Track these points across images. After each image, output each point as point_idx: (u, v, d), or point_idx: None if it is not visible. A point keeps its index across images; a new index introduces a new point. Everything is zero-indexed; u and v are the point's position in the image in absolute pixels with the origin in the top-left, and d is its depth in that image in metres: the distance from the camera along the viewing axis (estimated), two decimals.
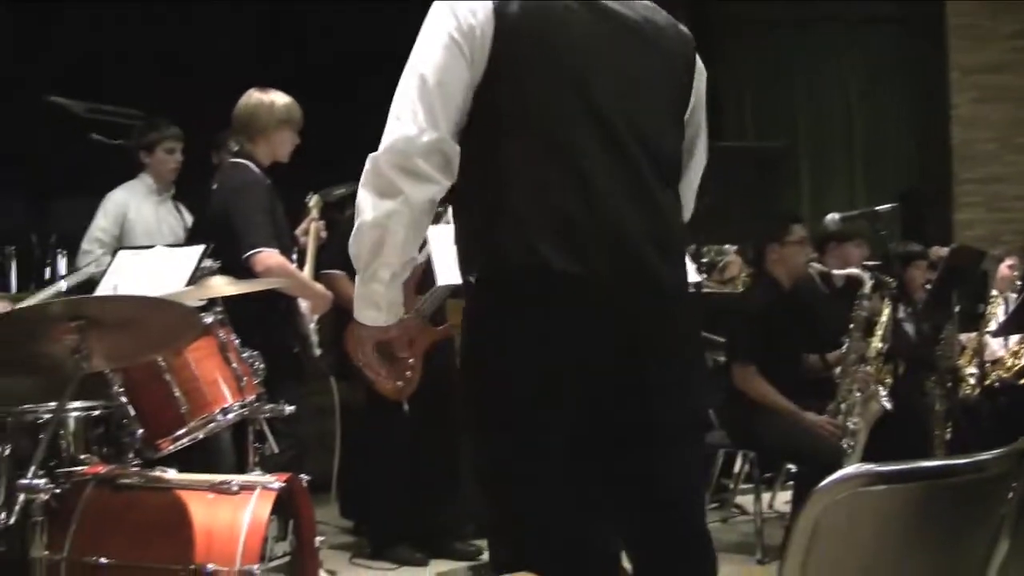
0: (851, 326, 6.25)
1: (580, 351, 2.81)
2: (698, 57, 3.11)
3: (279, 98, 5.54)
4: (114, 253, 5.66)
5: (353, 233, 2.90)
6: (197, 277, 4.77)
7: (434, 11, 2.89)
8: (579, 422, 2.86)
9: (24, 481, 3.32)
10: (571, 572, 2.86)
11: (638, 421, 2.91)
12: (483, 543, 6.45)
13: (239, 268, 5.03)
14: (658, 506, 2.99)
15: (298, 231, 5.85)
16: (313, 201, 5.95)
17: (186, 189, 7.28)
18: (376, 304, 2.95)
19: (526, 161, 2.83)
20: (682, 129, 3.07)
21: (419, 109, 2.81)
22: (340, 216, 6.54)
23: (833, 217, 6.76)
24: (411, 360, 6.12)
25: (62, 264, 9.43)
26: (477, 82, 2.85)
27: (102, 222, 6.77)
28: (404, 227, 2.83)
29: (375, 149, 2.85)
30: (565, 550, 2.86)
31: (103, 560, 3.74)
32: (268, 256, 5.17)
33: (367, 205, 2.86)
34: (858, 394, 6.08)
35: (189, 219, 7.01)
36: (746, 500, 7.37)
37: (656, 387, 2.89)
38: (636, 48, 2.95)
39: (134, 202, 6.83)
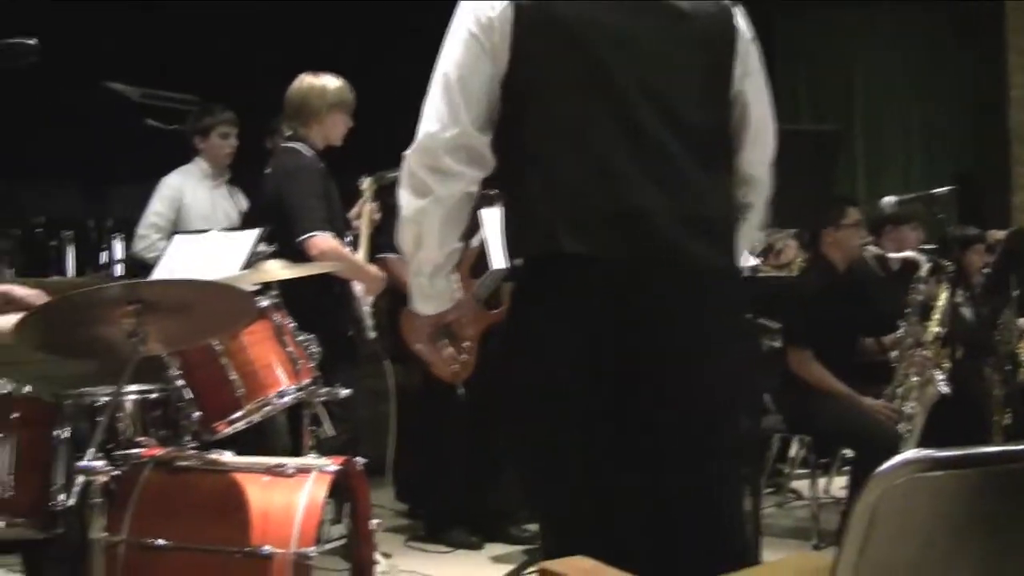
0: (907, 310, 6.20)
1: (602, 334, 2.81)
2: (743, 25, 3.05)
3: (331, 82, 5.55)
4: (170, 238, 5.69)
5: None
6: (252, 261, 4.80)
7: (457, 12, 2.95)
8: (602, 408, 2.85)
9: (83, 463, 3.34)
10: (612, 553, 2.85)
11: (665, 405, 2.89)
12: (538, 528, 6.46)
13: (294, 252, 5.05)
14: (675, 490, 2.96)
15: (351, 214, 5.86)
16: (366, 184, 5.96)
17: (240, 175, 7.31)
18: (425, 295, 3.03)
19: (544, 148, 2.86)
20: (723, 105, 3.00)
21: (442, 107, 2.89)
22: (393, 199, 6.55)
23: (889, 200, 6.69)
24: (466, 344, 6.13)
25: (118, 248, 9.51)
26: (502, 74, 2.88)
27: (157, 207, 6.81)
28: (438, 223, 2.91)
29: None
30: (602, 529, 2.86)
31: (160, 542, 3.76)
32: (322, 240, 5.19)
33: (404, 203, 2.97)
34: (915, 378, 6.03)
35: (244, 203, 7.04)
36: (802, 485, 7.34)
37: (684, 368, 2.87)
38: (663, 26, 2.91)
39: (189, 187, 6.87)
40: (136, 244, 6.90)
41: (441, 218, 2.90)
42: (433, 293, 3.01)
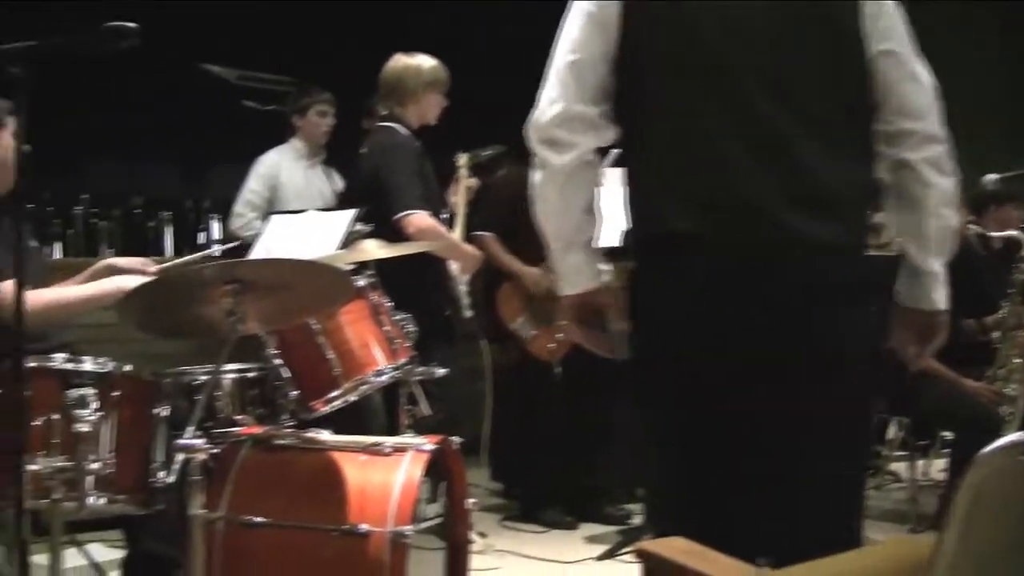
0: (1010, 290, 6.10)
1: (716, 316, 2.75)
2: None
3: (425, 61, 5.56)
4: (266, 216, 5.74)
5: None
6: (349, 240, 4.81)
7: None
8: (714, 389, 2.78)
9: (182, 441, 3.37)
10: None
11: (784, 388, 2.79)
12: (633, 507, 6.45)
13: (390, 231, 5.07)
14: (800, 476, 2.88)
15: (448, 192, 5.87)
16: (462, 161, 5.97)
17: (336, 156, 7.35)
18: (560, 273, 3.00)
19: (651, 127, 2.83)
20: (852, 76, 2.84)
21: (554, 84, 2.90)
22: (490, 178, 6.55)
23: (992, 178, 6.59)
24: (564, 322, 6.11)
25: (215, 228, 9.59)
26: (614, 52, 2.86)
27: (253, 185, 6.88)
28: (556, 193, 2.91)
29: (521, 110, 2.93)
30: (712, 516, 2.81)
31: (258, 519, 3.78)
32: (420, 218, 5.20)
33: (532, 182, 2.97)
34: (1018, 360, 5.93)
35: (339, 183, 7.08)
36: (900, 467, 7.26)
37: (797, 350, 2.78)
38: (775, 1, 2.82)
39: (285, 166, 6.92)
40: (232, 222, 6.96)
41: (558, 188, 2.90)
42: (566, 270, 2.98)
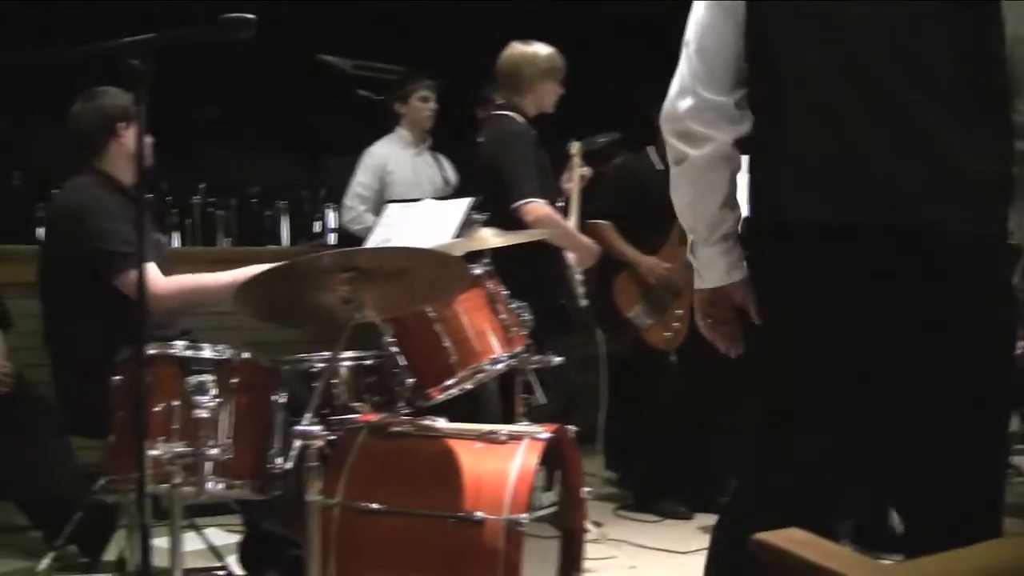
0: None
1: (837, 302, 2.66)
2: None
3: (541, 49, 5.55)
4: (376, 208, 5.77)
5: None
6: (465, 229, 4.82)
7: None
8: (839, 376, 2.70)
9: (300, 427, 3.39)
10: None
11: (916, 382, 2.69)
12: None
13: (506, 220, 5.06)
14: (935, 470, 2.81)
15: (562, 180, 5.86)
16: (575, 149, 5.95)
17: (452, 145, 7.36)
18: (694, 267, 2.92)
19: (776, 111, 2.74)
20: (990, 61, 2.68)
21: (685, 73, 2.83)
22: (604, 167, 6.53)
23: None
24: (680, 311, 6.10)
25: (331, 217, 9.65)
26: (742, 32, 2.78)
27: (362, 178, 6.91)
28: (690, 189, 2.84)
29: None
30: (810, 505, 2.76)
31: (374, 505, 3.81)
32: (538, 206, 5.21)
33: (671, 173, 2.91)
34: None
35: (448, 170, 7.09)
36: (1022, 461, 7.14)
37: (942, 340, 2.66)
38: None
39: (392, 156, 6.95)
40: (343, 216, 7.01)
41: (693, 183, 2.83)
42: (700, 265, 2.90)
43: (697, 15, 2.84)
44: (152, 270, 4.36)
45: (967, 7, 2.67)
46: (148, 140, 4.68)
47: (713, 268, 2.87)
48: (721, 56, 2.79)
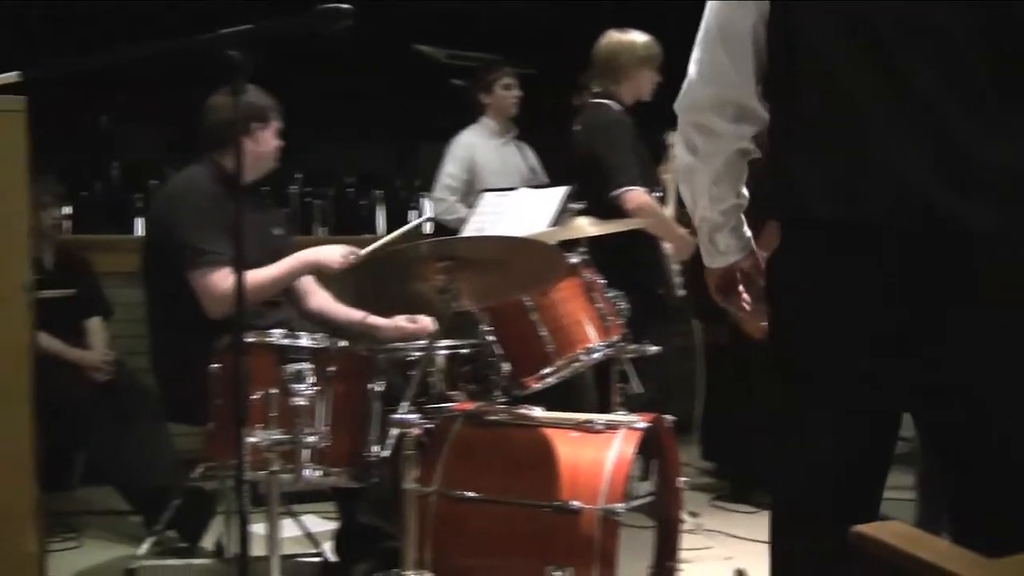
0: None
1: (855, 302, 2.56)
2: None
3: (638, 37, 5.53)
4: (478, 195, 5.76)
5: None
6: (561, 217, 4.81)
7: None
8: (860, 378, 2.59)
9: (397, 416, 3.41)
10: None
11: (933, 380, 2.57)
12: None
13: (603, 208, 5.05)
14: (978, 472, 2.64)
15: (660, 169, 5.83)
16: (672, 138, 5.91)
17: (545, 134, 7.35)
18: (707, 251, 2.92)
19: (794, 104, 2.65)
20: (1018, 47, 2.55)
21: (704, 60, 2.76)
22: None
23: None
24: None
25: (426, 206, 9.69)
26: (764, 18, 2.70)
27: (451, 168, 6.92)
28: (708, 181, 2.80)
29: None
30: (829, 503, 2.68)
31: (470, 494, 3.82)
32: (638, 195, 5.19)
33: (679, 159, 2.88)
34: None
35: (533, 159, 7.07)
36: None
37: (959, 340, 2.53)
38: None
39: (479, 145, 6.95)
40: (434, 208, 7.02)
41: (711, 177, 2.79)
42: (715, 250, 2.89)
43: (719, 2, 2.76)
44: (219, 277, 4.40)
45: (996, 3, 2.57)
46: (277, 144, 4.76)
47: (730, 250, 2.88)
48: (743, 46, 2.71)
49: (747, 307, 3.00)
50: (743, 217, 2.88)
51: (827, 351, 2.63)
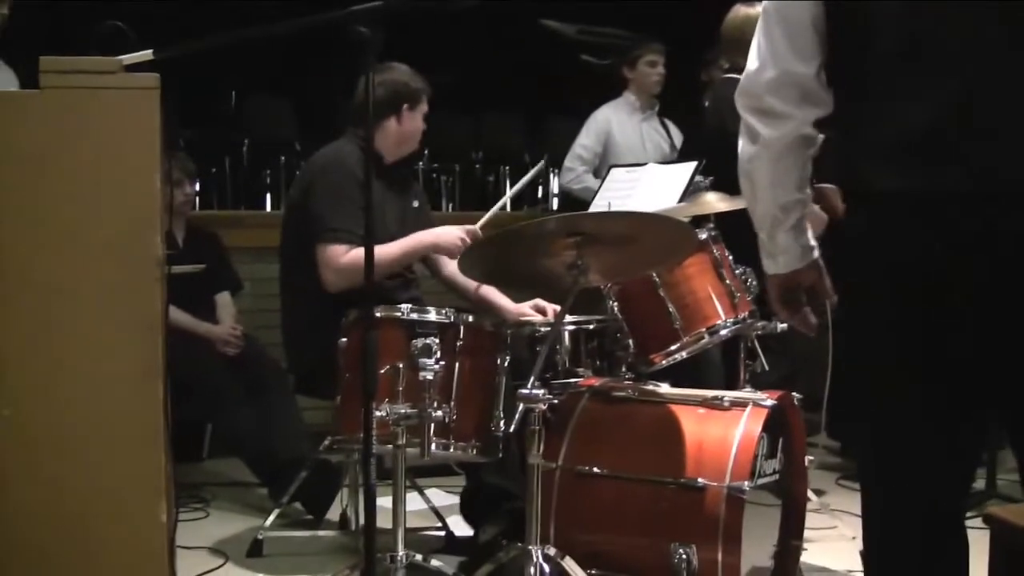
0: None
1: (933, 277, 2.44)
2: None
3: None
4: (608, 170, 5.75)
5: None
6: (690, 193, 4.78)
7: None
8: (941, 360, 2.48)
9: (524, 391, 3.41)
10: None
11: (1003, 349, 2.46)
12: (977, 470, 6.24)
13: (733, 184, 5.00)
14: None
15: None
16: None
17: (674, 108, 7.31)
18: (766, 252, 2.82)
19: (859, 80, 2.55)
20: None
21: (763, 43, 2.69)
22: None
23: None
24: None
25: (553, 182, 9.69)
26: (823, 2, 2.61)
27: (585, 140, 6.91)
28: (767, 169, 2.71)
29: None
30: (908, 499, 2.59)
31: (595, 469, 3.82)
32: None
33: (740, 152, 2.80)
34: None
35: (676, 136, 7.04)
36: None
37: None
38: None
39: (617, 120, 6.93)
40: (562, 176, 7.03)
41: (770, 164, 2.69)
42: (775, 250, 2.78)
43: None
44: (338, 251, 4.45)
45: None
46: (422, 126, 4.80)
47: (789, 252, 2.76)
48: (803, 26, 2.63)
49: (813, 326, 2.89)
50: (806, 223, 2.77)
51: (914, 324, 2.49)
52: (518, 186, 4.96)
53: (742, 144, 2.78)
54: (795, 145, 2.69)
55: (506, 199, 5.00)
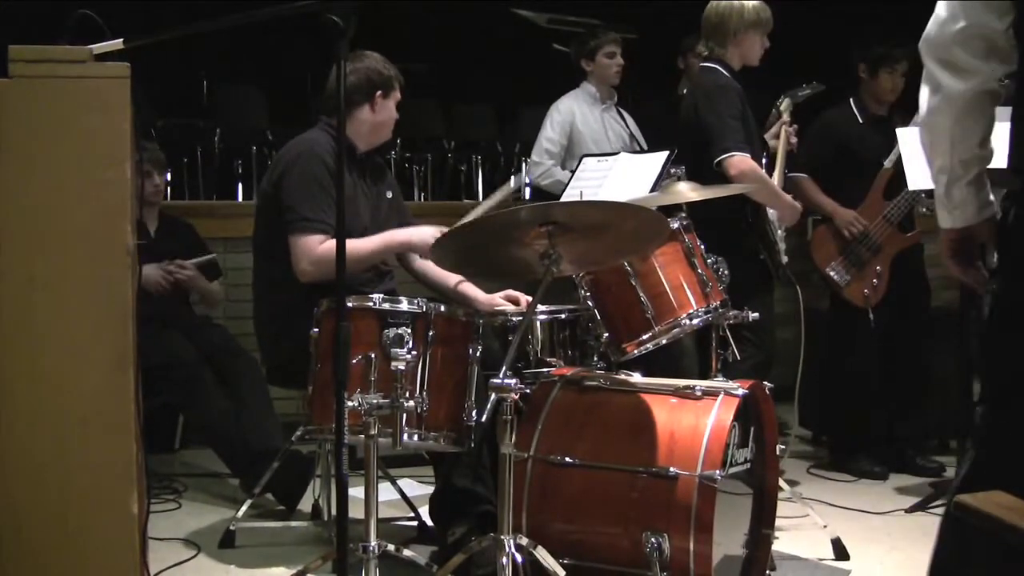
0: None
1: None
2: None
3: (747, 1, 5.46)
4: (579, 160, 5.75)
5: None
6: (662, 183, 4.78)
7: None
8: None
9: (496, 381, 3.40)
10: None
11: None
12: (946, 459, 6.28)
13: (705, 173, 5.01)
14: None
15: (768, 135, 5.78)
16: (784, 105, 5.85)
17: (645, 98, 7.32)
18: (942, 205, 2.79)
19: None
20: None
21: None
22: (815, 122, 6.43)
23: None
24: (879, 267, 6.00)
25: (524, 172, 9.68)
26: None
27: (550, 133, 6.90)
28: (949, 122, 2.68)
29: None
30: None
31: (567, 459, 3.82)
32: (741, 160, 5.14)
33: (921, 102, 2.75)
34: None
35: (633, 126, 7.04)
36: None
37: None
38: None
39: (579, 111, 6.92)
40: (531, 172, 7.00)
41: (953, 117, 2.66)
42: (950, 204, 2.76)
43: None
44: (312, 241, 4.44)
45: None
46: (395, 115, 4.79)
47: (966, 207, 2.74)
48: None
49: (983, 281, 2.86)
50: (986, 177, 2.75)
51: None
52: (490, 201, 4.98)
53: (924, 94, 2.74)
54: (979, 99, 2.66)
55: (478, 212, 4.95)
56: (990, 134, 2.70)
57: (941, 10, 2.65)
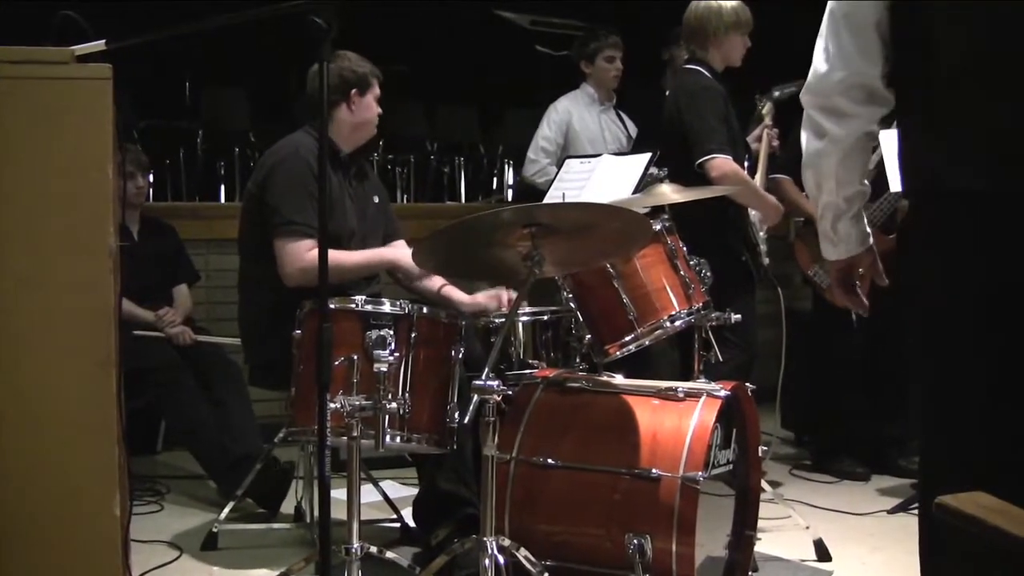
0: None
1: (1001, 268, 2.51)
2: None
3: (726, 3, 5.47)
4: (561, 162, 5.76)
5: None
6: (644, 184, 4.78)
7: None
8: (995, 342, 2.56)
9: (478, 383, 3.40)
10: None
11: None
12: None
13: (688, 175, 5.02)
14: None
15: (750, 138, 5.79)
16: (766, 108, 5.86)
17: (629, 97, 7.32)
18: (828, 239, 2.94)
19: (928, 80, 2.60)
20: None
21: (830, 44, 2.78)
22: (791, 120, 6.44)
23: None
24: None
25: (509, 174, 9.67)
26: (888, 6, 2.69)
27: (547, 131, 6.92)
28: (834, 165, 2.82)
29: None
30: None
31: (550, 460, 3.82)
32: (723, 162, 5.15)
33: (804, 145, 2.89)
34: None
35: (632, 128, 7.06)
36: None
37: None
38: None
39: (577, 112, 6.94)
40: (526, 169, 7.02)
41: (838, 160, 2.81)
42: (836, 238, 2.92)
43: None
44: (300, 247, 4.45)
45: None
46: (377, 111, 4.78)
47: (850, 240, 2.91)
48: (869, 28, 2.72)
49: (865, 307, 3.05)
50: (863, 212, 2.92)
51: (981, 317, 2.58)
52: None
53: (807, 139, 2.89)
54: (861, 141, 2.82)
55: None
56: (868, 170, 2.89)
57: (820, 64, 2.80)
